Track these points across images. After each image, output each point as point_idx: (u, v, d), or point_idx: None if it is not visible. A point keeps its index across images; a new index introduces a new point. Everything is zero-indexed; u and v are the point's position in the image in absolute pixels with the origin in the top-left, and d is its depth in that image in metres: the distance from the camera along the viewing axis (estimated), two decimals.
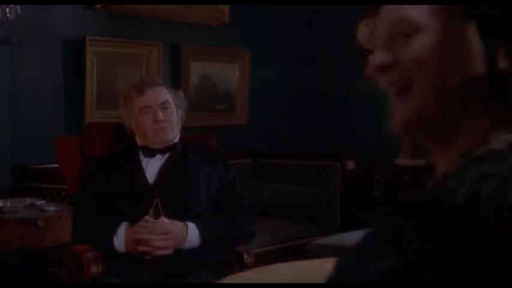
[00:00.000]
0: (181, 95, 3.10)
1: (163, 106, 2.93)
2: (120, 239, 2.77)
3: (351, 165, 5.18)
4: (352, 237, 4.09)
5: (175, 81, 4.99)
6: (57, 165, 3.26)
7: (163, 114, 2.91)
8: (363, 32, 5.73)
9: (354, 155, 5.21)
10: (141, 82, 3.02)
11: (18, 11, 3.75)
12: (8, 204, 2.70)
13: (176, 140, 3.01)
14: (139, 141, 3.00)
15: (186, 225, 2.82)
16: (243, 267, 2.85)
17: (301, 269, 1.91)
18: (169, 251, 2.78)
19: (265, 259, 3.27)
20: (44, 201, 2.82)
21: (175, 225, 2.80)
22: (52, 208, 2.74)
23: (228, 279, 1.91)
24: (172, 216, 2.82)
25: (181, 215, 2.84)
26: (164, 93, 2.96)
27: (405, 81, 0.83)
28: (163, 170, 2.94)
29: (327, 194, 5.12)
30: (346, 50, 5.62)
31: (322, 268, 1.80)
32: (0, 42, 3.85)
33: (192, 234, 2.81)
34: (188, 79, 5.20)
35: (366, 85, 5.93)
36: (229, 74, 5.52)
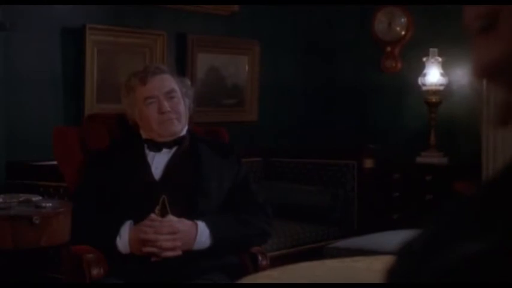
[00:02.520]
0: (188, 82, 3.02)
1: (169, 95, 2.83)
2: (123, 239, 2.67)
3: (368, 164, 5.09)
4: (372, 240, 3.98)
5: (181, 73, 4.87)
6: (54, 161, 3.18)
7: (170, 104, 2.82)
8: (380, 22, 5.63)
9: (372, 153, 5.13)
10: (143, 70, 2.91)
11: None
12: (1, 200, 2.58)
13: (184, 132, 2.91)
14: (144, 134, 2.90)
15: (196, 224, 2.71)
16: (257, 270, 2.72)
17: (330, 268, 1.78)
18: (178, 252, 2.67)
19: (279, 263, 3.16)
20: (40, 197, 2.69)
21: (183, 224, 2.70)
22: (49, 204, 2.61)
23: (249, 279, 1.77)
24: (180, 214, 2.71)
25: (190, 213, 2.74)
26: (169, 81, 2.86)
27: (493, 16, 0.71)
28: (170, 165, 2.84)
29: (343, 195, 5.03)
30: (364, 41, 5.59)
31: (354, 267, 1.67)
32: None
33: (202, 234, 2.71)
34: (195, 72, 5.10)
35: (384, 78, 5.98)
36: (239, 67, 5.45)
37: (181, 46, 5.04)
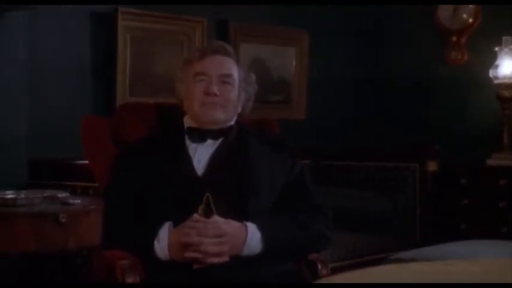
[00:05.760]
0: (253, 78, 2.91)
1: (223, 80, 2.77)
2: (162, 243, 2.57)
3: (432, 166, 5.00)
4: (440, 251, 3.79)
5: None
6: (82, 159, 3.13)
7: (219, 89, 2.74)
8: (444, 8, 5.51)
9: (436, 155, 5.04)
10: (206, 45, 3.00)
11: None
12: (23, 196, 2.44)
13: (232, 122, 2.83)
14: (186, 121, 2.82)
15: (245, 226, 2.61)
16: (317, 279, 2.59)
17: (418, 271, 1.60)
18: (224, 258, 2.56)
19: None
20: (67, 194, 2.55)
21: (231, 226, 2.59)
22: (78, 201, 2.47)
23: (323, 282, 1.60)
24: (227, 214, 2.61)
25: (239, 213, 2.63)
26: (229, 65, 2.80)
27: None
28: (215, 158, 2.74)
29: (403, 202, 4.97)
30: (426, 30, 5.57)
31: (448, 271, 1.48)
32: (14, 8, 3.69)
33: (252, 237, 2.60)
34: None
35: (449, 71, 5.88)
36: (285, 59, 5.47)
37: (223, 35, 5.02)
